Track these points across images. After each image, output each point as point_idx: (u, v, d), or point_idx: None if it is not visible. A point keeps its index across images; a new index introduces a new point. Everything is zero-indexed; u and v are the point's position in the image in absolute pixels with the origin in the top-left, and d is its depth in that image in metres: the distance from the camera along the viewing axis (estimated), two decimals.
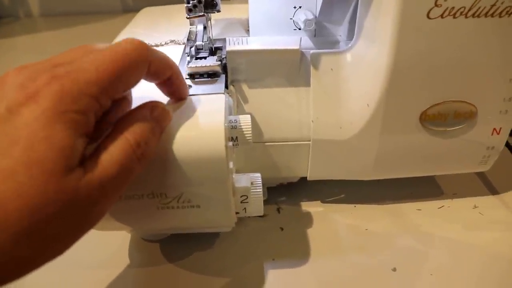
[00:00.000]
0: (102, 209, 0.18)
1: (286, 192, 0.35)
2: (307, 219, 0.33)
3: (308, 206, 0.34)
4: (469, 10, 0.25)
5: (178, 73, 0.22)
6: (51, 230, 0.15)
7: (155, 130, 0.20)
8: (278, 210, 0.34)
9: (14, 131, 0.15)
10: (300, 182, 0.35)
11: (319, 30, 0.31)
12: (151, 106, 0.20)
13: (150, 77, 0.21)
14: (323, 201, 0.35)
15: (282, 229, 0.32)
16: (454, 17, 0.25)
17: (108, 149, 0.18)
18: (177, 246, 0.31)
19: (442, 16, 0.25)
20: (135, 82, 0.19)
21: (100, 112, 0.18)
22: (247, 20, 0.36)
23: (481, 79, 0.27)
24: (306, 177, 0.32)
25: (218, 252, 0.31)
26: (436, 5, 0.24)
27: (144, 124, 0.19)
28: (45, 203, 0.15)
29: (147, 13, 0.44)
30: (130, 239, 0.32)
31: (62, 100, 0.16)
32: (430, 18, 0.25)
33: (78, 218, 0.16)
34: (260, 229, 0.32)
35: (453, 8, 0.24)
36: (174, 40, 0.32)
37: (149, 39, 0.33)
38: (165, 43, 0.32)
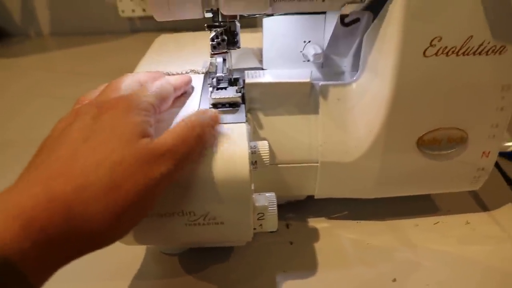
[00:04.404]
0: (161, 168, 0.21)
1: (294, 209, 0.38)
2: (314, 234, 0.36)
3: (315, 222, 0.37)
4: (460, 49, 0.28)
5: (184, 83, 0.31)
6: (128, 183, 0.20)
7: (205, 121, 0.24)
8: (287, 225, 0.37)
9: (100, 127, 0.22)
10: (306, 200, 0.37)
11: (326, 62, 0.35)
12: (205, 110, 0.26)
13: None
14: (328, 218, 0.37)
15: (291, 243, 0.35)
16: (447, 55, 0.28)
17: (172, 128, 0.23)
18: (195, 260, 0.33)
19: (436, 54, 0.28)
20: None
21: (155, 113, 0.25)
22: (259, 50, 0.39)
23: (472, 108, 0.30)
24: (313, 195, 0.35)
25: (233, 264, 0.33)
26: (431, 45, 0.28)
27: (199, 115, 0.24)
28: (124, 161, 0.20)
29: (163, 40, 0.47)
30: (150, 253, 0.34)
31: (131, 105, 0.23)
32: (426, 56, 0.28)
33: (146, 174, 0.21)
34: (271, 244, 0.35)
35: (446, 47, 0.28)
36: (193, 70, 0.35)
37: (170, 67, 0.36)
38: (186, 72, 0.35)
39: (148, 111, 0.24)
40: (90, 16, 0.93)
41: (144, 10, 0.89)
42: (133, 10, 0.89)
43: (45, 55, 0.87)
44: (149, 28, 0.93)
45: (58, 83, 0.73)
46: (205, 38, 0.47)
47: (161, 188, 0.22)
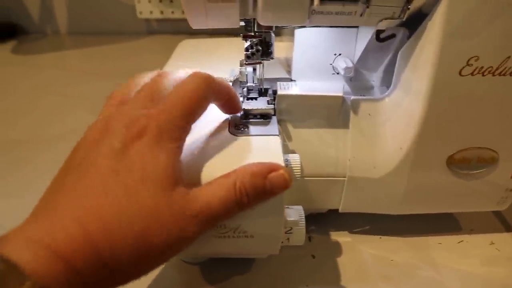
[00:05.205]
0: (194, 229, 0.21)
1: (316, 221, 0.37)
2: (337, 248, 0.35)
3: (337, 236, 0.36)
4: (496, 69, 0.28)
5: (234, 95, 0.27)
6: (159, 236, 0.19)
7: (259, 188, 0.22)
8: (310, 238, 0.36)
9: (130, 161, 0.20)
10: (329, 213, 0.37)
11: (355, 75, 0.34)
12: (272, 167, 0.23)
13: (214, 101, 0.26)
14: (351, 232, 0.37)
15: (313, 256, 0.34)
16: (483, 75, 0.28)
17: (217, 184, 0.22)
18: (217, 270, 0.33)
19: (472, 74, 0.28)
20: (206, 107, 0.24)
21: (186, 136, 0.23)
22: (286, 60, 0.39)
23: (504, 129, 0.30)
24: (335, 209, 0.35)
25: (255, 276, 0.33)
26: (467, 64, 0.27)
27: (255, 179, 0.22)
28: (159, 211, 0.19)
29: (186, 45, 0.47)
30: (171, 260, 0.34)
31: (160, 134, 0.21)
32: (462, 75, 0.28)
33: (177, 232, 0.20)
34: (293, 256, 0.34)
35: (482, 67, 0.27)
36: (222, 78, 0.35)
37: None
38: None
39: (178, 140, 0.22)
40: (108, 17, 0.93)
41: (162, 12, 0.90)
42: (150, 12, 0.90)
43: (61, 54, 0.87)
44: (166, 30, 0.93)
45: (72, 82, 0.73)
46: (228, 44, 0.48)
47: (192, 241, 0.21)
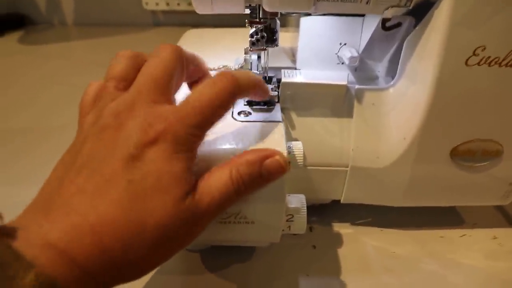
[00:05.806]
0: (201, 227, 0.21)
1: (318, 212, 0.37)
2: (338, 239, 0.35)
3: (338, 227, 0.36)
4: (503, 60, 0.27)
5: (262, 86, 0.25)
6: (170, 243, 0.20)
7: (255, 176, 0.22)
8: (311, 229, 0.36)
9: (144, 166, 0.19)
10: (331, 204, 0.37)
11: (360, 66, 0.34)
12: (267, 154, 0.22)
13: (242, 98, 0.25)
14: (352, 223, 0.37)
15: (314, 247, 0.34)
16: (489, 66, 0.27)
17: (216, 175, 0.21)
18: (217, 257, 0.33)
19: (478, 64, 0.27)
20: (227, 112, 0.22)
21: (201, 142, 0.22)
22: (290, 49, 0.39)
23: (510, 121, 0.30)
24: (338, 200, 0.35)
25: (255, 264, 0.33)
26: (474, 54, 0.27)
27: (251, 167, 0.22)
28: (169, 221, 0.19)
29: (191, 35, 0.47)
30: None
31: (175, 143, 0.20)
32: (468, 65, 0.27)
33: (187, 234, 0.21)
34: (294, 246, 0.34)
35: (489, 57, 0.27)
36: (226, 66, 0.35)
37: None
38: (218, 68, 0.35)
39: (193, 149, 0.21)
40: (114, 8, 0.93)
41: (167, 4, 0.89)
42: (156, 4, 0.90)
43: (67, 44, 0.88)
44: (172, 22, 0.93)
45: (78, 72, 0.73)
46: (233, 34, 0.48)
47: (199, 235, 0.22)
